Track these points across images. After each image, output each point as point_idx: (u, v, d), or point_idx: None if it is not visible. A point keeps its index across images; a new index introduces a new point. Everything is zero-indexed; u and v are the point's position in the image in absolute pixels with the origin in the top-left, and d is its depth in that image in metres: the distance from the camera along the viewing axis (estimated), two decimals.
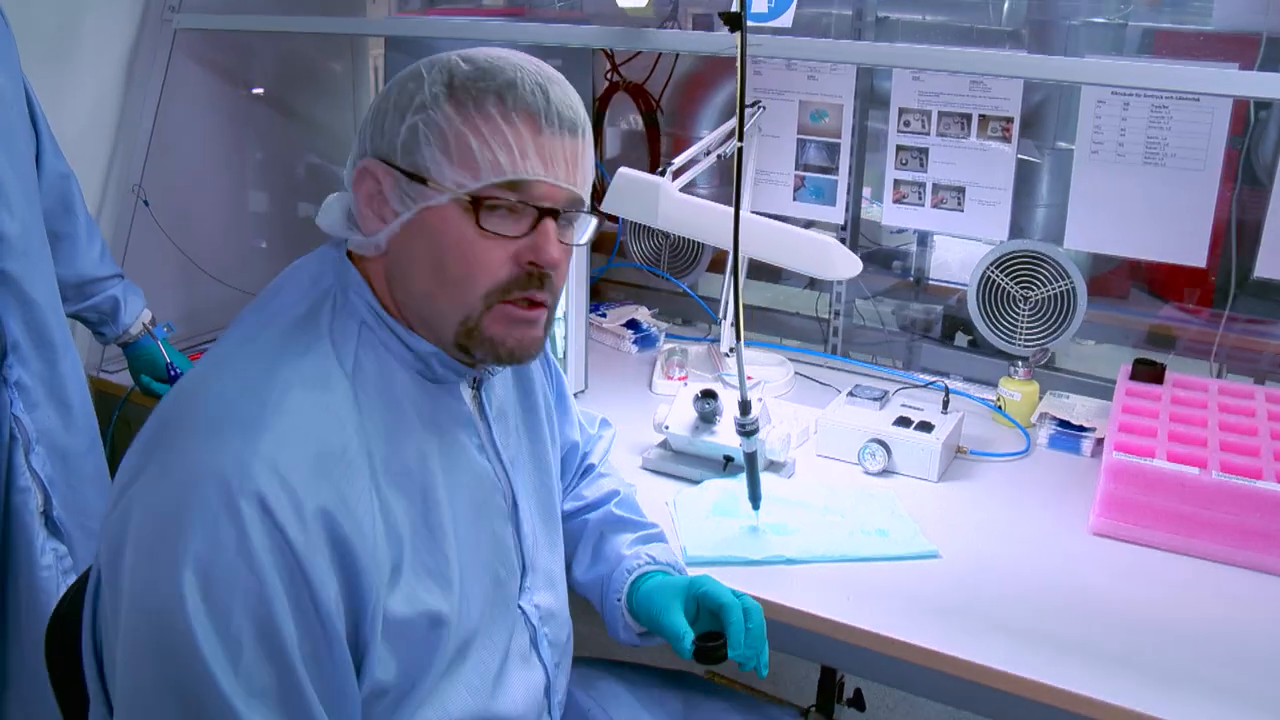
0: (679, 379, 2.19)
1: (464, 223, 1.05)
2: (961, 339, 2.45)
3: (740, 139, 1.40)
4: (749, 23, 1.42)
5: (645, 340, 2.44)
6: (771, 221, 1.66)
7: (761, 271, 2.51)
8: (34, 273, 1.69)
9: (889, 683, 1.47)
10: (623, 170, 1.72)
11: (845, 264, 1.61)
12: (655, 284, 2.69)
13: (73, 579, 1.72)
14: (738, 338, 1.48)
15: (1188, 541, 1.62)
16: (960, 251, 2.41)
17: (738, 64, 1.37)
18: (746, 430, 1.54)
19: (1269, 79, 1.44)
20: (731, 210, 1.67)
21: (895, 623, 1.42)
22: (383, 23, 2.55)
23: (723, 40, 1.59)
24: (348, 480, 0.99)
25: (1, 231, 1.62)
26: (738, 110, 1.39)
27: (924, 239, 2.45)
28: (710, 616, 1.30)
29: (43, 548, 1.70)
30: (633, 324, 2.46)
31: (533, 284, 1.08)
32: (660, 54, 2.72)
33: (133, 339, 2.03)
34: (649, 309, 2.58)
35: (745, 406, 1.52)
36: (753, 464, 1.59)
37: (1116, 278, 2.28)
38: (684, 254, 2.60)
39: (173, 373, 2.02)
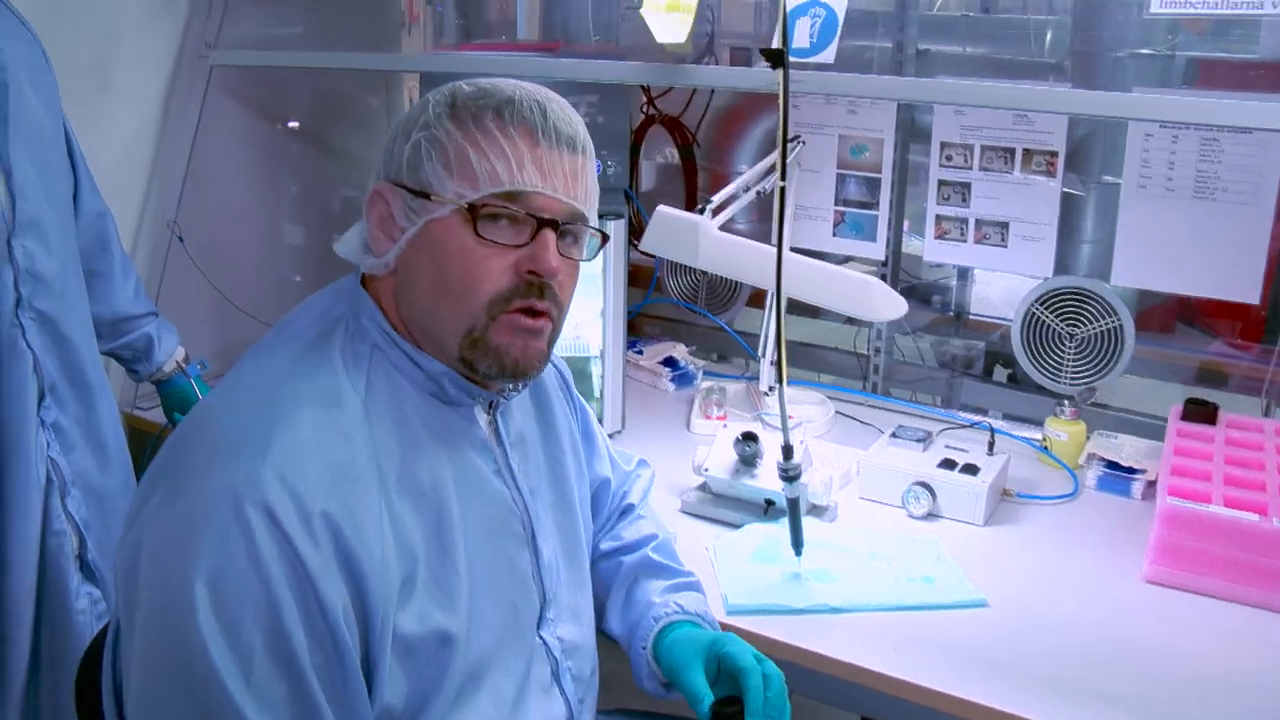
0: (718, 418, 2.15)
1: (464, 232, 1.07)
2: (1001, 374, 2.40)
3: (782, 178, 1.37)
4: (791, 59, 1.40)
5: (683, 378, 2.41)
6: (813, 261, 1.63)
7: (800, 306, 2.46)
8: (71, 313, 1.69)
9: None
10: (661, 208, 1.69)
11: (888, 305, 1.57)
12: (692, 319, 2.66)
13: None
14: (779, 380, 1.44)
15: (1246, 590, 1.56)
16: (1002, 286, 2.37)
17: (780, 102, 1.34)
18: (789, 475, 1.50)
19: None
20: (773, 249, 1.64)
21: (942, 676, 1.38)
22: (418, 59, 2.54)
23: (762, 76, 1.56)
24: (354, 493, 1.00)
25: (40, 272, 1.62)
26: (779, 149, 1.36)
27: (964, 273, 2.40)
28: (730, 678, 1.26)
29: (77, 592, 1.69)
30: (670, 361, 2.43)
31: (533, 292, 1.09)
32: (694, 93, 2.70)
33: (166, 376, 2.03)
34: (686, 346, 2.55)
35: (788, 451, 1.49)
36: (795, 510, 1.55)
37: (1160, 313, 2.23)
38: (722, 290, 2.57)
39: None
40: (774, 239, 1.35)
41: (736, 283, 2.53)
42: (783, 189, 1.37)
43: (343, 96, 2.69)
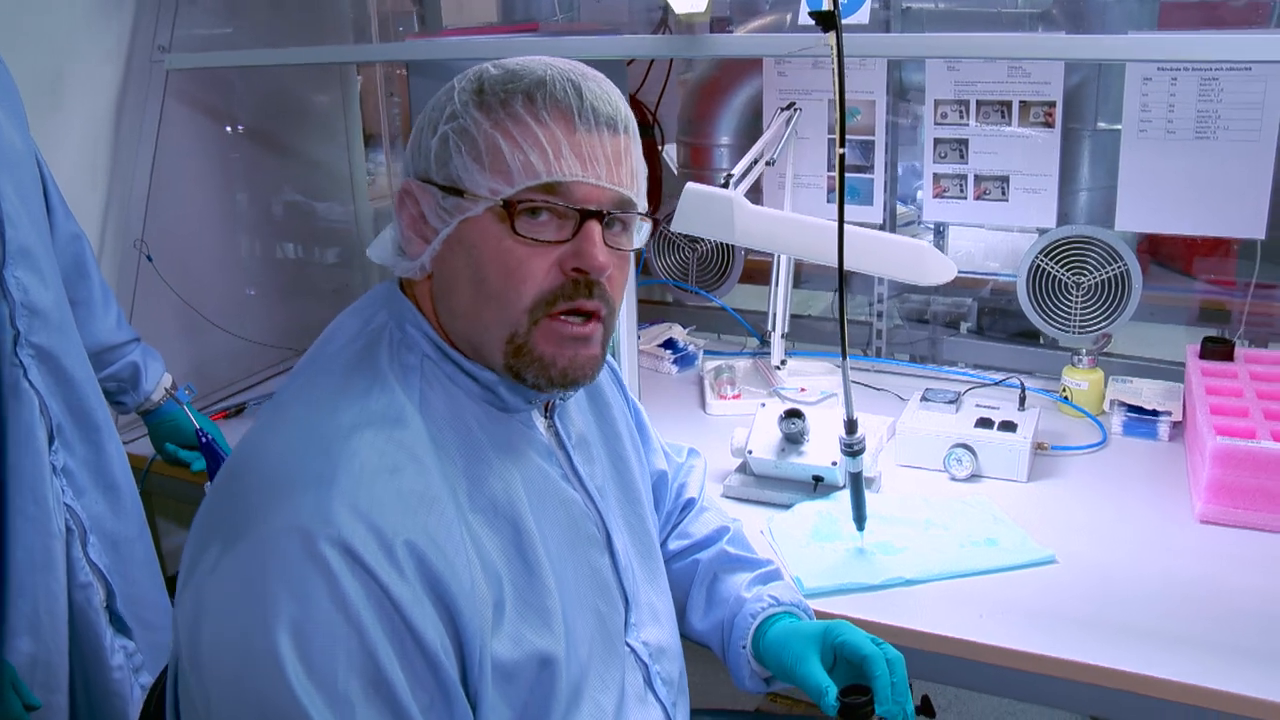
0: (733, 397, 2.10)
1: (501, 231, 0.98)
2: (964, 328, 2.43)
3: (841, 144, 1.32)
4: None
5: (684, 360, 2.35)
6: (861, 229, 1.59)
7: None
8: (70, 346, 1.56)
9: (1029, 699, 1.42)
10: (691, 185, 1.63)
11: (940, 268, 1.54)
12: (681, 299, 2.61)
13: (145, 678, 1.60)
14: (843, 354, 1.40)
15: None
16: (982, 240, 2.36)
17: (834, 65, 1.29)
18: (854, 450, 1.46)
19: None
20: (813, 220, 1.60)
21: (1036, 638, 1.36)
22: (400, 47, 2.38)
23: (793, 41, 1.51)
24: (434, 517, 0.92)
25: (36, 304, 1.48)
26: (838, 115, 1.31)
27: (940, 230, 2.39)
28: (848, 665, 1.21)
29: (111, 647, 1.56)
30: (670, 343, 2.38)
31: (580, 292, 1.00)
32: (652, 63, 2.64)
33: (154, 406, 1.90)
34: (681, 326, 2.49)
35: (852, 425, 1.45)
36: (858, 484, 1.51)
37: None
38: (713, 267, 2.51)
39: (203, 438, 1.89)
40: (836, 210, 1.30)
41: (728, 260, 2.48)
42: (842, 155, 1.31)
43: (295, 95, 2.56)
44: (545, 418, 1.13)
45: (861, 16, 1.51)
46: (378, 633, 0.85)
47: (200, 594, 0.88)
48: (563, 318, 1.01)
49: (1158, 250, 2.27)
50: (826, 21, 1.30)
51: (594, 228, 1.00)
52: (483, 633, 0.93)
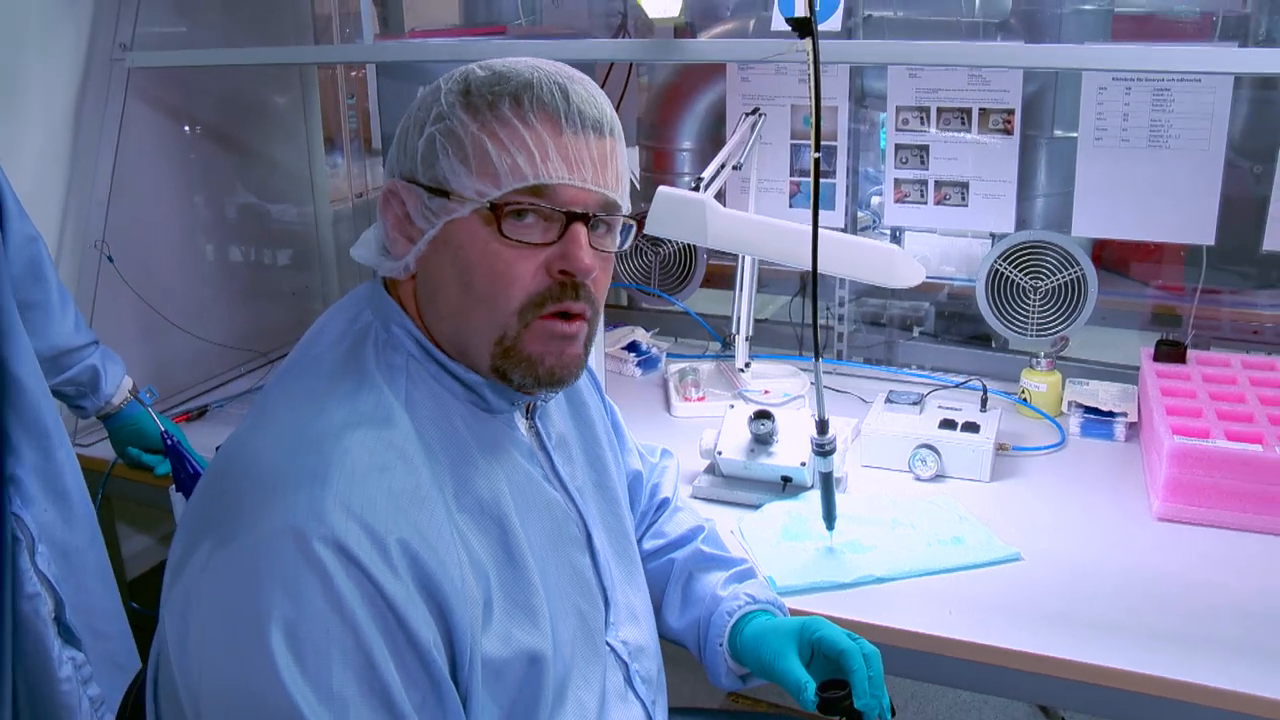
0: (697, 399, 2.12)
1: (488, 233, 0.99)
2: (917, 332, 2.47)
3: (816, 149, 1.34)
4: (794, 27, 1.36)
5: (647, 362, 2.36)
6: (833, 233, 1.61)
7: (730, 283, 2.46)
8: (19, 352, 1.52)
9: (996, 693, 1.45)
10: (663, 189, 1.64)
11: (909, 272, 1.57)
12: (642, 303, 2.62)
13: (94, 690, 1.57)
14: (815, 356, 1.42)
15: (1255, 519, 1.63)
16: (937, 245, 2.40)
17: (810, 70, 1.31)
18: (825, 450, 1.48)
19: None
20: (786, 224, 1.62)
21: (1007, 633, 1.39)
22: (368, 49, 2.39)
23: (768, 47, 1.52)
24: (425, 516, 0.92)
25: None
26: (813, 120, 1.33)
27: (896, 236, 2.43)
28: (825, 660, 1.23)
29: (60, 658, 1.53)
30: (633, 346, 2.39)
31: (567, 294, 1.01)
32: (611, 67, 2.65)
33: (115, 409, 1.87)
34: (644, 329, 2.50)
35: (823, 425, 1.47)
36: (829, 484, 1.53)
37: None
38: (675, 271, 2.52)
39: (169, 441, 1.86)
40: (798, 214, 1.32)
41: (691, 264, 2.49)
42: (817, 160, 1.34)
43: (255, 96, 2.53)
44: (527, 419, 1.13)
45: (834, 23, 1.53)
46: (372, 631, 0.85)
47: (190, 592, 0.87)
48: (551, 320, 1.01)
49: (1104, 257, 2.33)
50: (803, 28, 1.32)
51: (580, 230, 1.01)
52: (473, 631, 0.93)
